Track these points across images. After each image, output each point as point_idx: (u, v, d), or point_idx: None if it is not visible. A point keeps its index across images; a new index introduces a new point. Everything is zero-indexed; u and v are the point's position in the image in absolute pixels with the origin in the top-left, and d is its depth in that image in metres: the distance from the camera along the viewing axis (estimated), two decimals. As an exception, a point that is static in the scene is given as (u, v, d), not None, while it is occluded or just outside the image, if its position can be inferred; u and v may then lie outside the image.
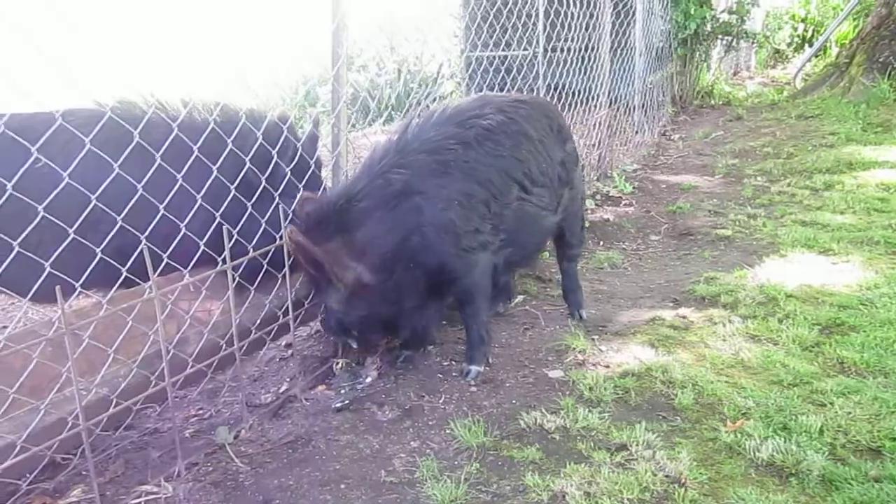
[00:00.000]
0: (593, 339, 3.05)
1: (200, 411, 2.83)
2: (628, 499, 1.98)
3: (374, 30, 10.24)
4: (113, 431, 2.47)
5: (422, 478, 2.15)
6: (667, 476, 2.07)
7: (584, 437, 2.31)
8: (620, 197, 5.38)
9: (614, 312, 3.39)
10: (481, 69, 6.31)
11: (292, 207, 2.55)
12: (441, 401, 2.60)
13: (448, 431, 2.40)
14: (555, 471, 2.14)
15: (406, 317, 2.61)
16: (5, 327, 3.61)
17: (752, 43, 9.68)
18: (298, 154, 2.67)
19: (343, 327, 2.62)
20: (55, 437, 2.05)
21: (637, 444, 2.22)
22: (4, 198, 1.91)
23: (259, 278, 2.60)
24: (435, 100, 9.57)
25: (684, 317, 3.25)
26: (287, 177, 2.63)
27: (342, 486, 2.15)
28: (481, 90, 6.03)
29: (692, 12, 7.67)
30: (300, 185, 2.68)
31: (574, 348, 2.93)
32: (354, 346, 2.78)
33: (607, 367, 2.81)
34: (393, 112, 9.49)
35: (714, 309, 3.33)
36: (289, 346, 3.18)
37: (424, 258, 2.47)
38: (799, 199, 5.11)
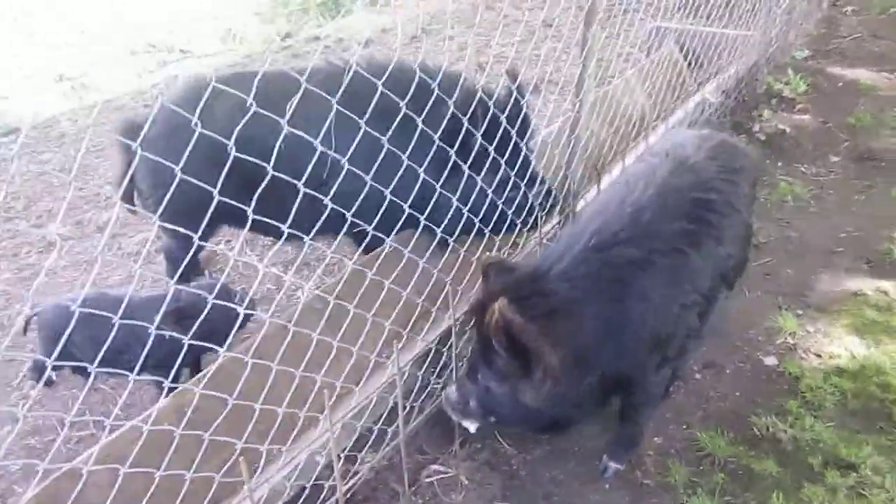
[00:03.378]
0: (798, 315, 3.25)
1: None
2: (867, 533, 2.31)
3: None
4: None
5: (675, 483, 2.52)
6: (899, 509, 2.38)
7: (813, 451, 2.60)
8: (794, 99, 5.22)
9: (811, 274, 3.54)
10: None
11: (482, 272, 2.29)
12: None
13: (686, 429, 2.73)
14: (794, 489, 2.47)
15: (568, 416, 2.32)
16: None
17: None
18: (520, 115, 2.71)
19: (487, 413, 2.26)
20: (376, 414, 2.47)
21: (866, 467, 2.51)
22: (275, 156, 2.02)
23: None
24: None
25: (885, 292, 3.39)
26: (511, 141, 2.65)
27: (606, 486, 2.54)
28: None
29: None
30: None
31: (784, 330, 3.15)
32: (472, 429, 2.39)
33: (819, 356, 3.03)
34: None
35: (915, 283, 3.43)
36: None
37: (621, 365, 2.21)
38: None
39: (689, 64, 4.78)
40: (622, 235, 2.16)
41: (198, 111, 1.79)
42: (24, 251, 4.00)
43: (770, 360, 3.03)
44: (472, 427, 2.35)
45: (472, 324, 2.33)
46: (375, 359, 2.40)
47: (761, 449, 2.63)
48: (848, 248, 3.77)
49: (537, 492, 2.54)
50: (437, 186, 2.40)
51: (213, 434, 1.81)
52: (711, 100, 4.44)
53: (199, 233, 2.06)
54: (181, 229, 1.90)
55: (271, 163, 2.07)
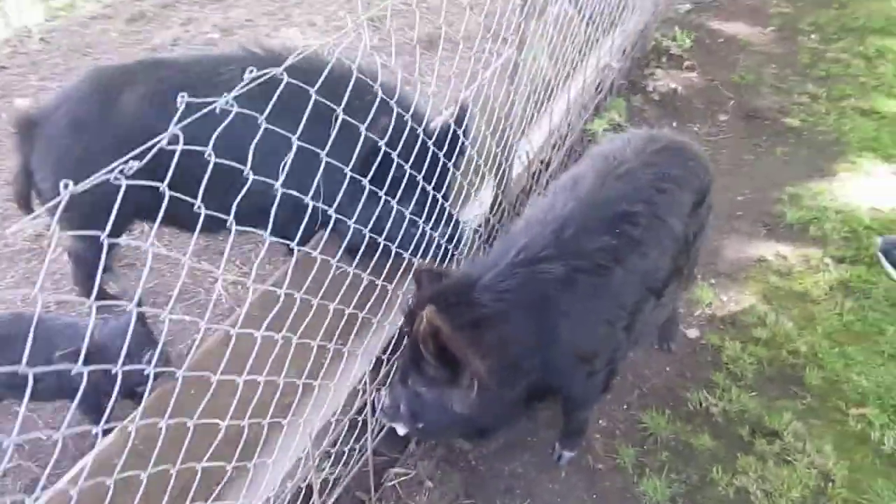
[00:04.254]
0: (712, 284, 3.48)
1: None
2: (795, 497, 2.56)
3: None
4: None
5: (624, 465, 2.68)
6: (819, 472, 2.64)
7: (741, 421, 2.83)
8: (682, 56, 5.41)
9: (717, 241, 3.76)
10: None
11: (412, 276, 2.33)
12: (608, 368, 3.03)
13: (626, 409, 2.90)
14: (730, 460, 2.69)
15: (495, 424, 2.37)
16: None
17: None
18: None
19: (415, 419, 2.27)
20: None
21: (788, 434, 2.76)
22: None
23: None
24: None
25: (784, 257, 3.67)
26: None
27: (562, 473, 2.66)
28: None
29: None
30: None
31: (701, 301, 3.37)
32: (401, 432, 2.39)
33: (733, 324, 3.27)
34: None
35: (807, 247, 3.72)
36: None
37: (549, 377, 2.25)
38: (854, 71, 5.31)
39: (586, 21, 4.81)
40: (545, 253, 2.17)
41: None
42: None
43: (693, 333, 3.23)
44: (400, 430, 2.36)
45: (404, 329, 2.32)
46: (320, 383, 2.29)
47: (696, 423, 2.84)
48: (746, 212, 4.03)
49: (498, 485, 2.63)
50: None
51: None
52: (615, 65, 4.52)
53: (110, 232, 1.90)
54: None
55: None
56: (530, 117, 3.49)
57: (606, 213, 2.27)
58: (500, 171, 3.14)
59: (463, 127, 2.53)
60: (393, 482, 2.62)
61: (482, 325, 2.07)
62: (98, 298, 3.07)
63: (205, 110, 1.33)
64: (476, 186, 3.04)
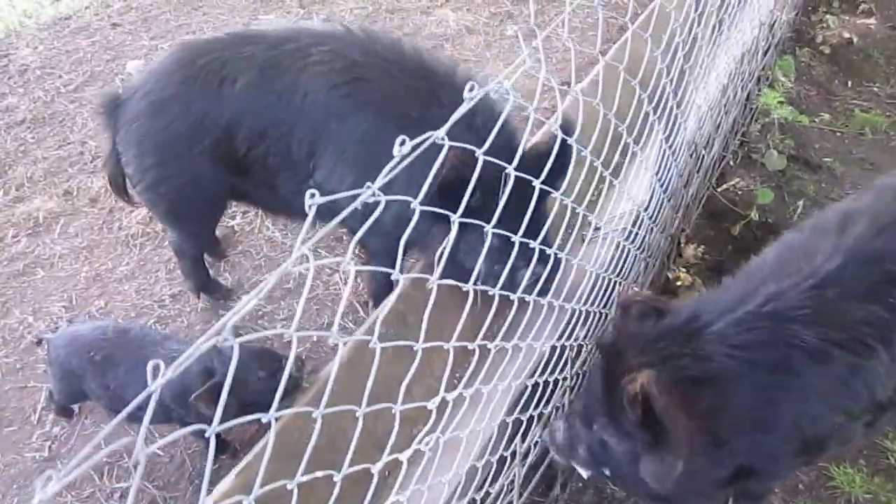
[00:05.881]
0: None
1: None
2: None
3: None
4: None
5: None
6: None
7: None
8: (857, -3, 4.66)
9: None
10: None
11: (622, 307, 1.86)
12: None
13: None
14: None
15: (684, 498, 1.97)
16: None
17: None
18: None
19: (600, 465, 1.94)
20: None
21: None
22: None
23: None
24: None
25: None
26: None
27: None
28: None
29: None
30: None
31: None
32: (585, 475, 2.06)
33: None
34: None
35: None
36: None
37: (753, 459, 1.84)
38: None
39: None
40: (801, 313, 1.71)
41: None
42: (10, 235, 3.45)
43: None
44: (584, 473, 2.01)
45: (597, 358, 1.98)
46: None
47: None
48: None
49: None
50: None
51: None
52: (783, 17, 3.88)
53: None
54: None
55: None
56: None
57: (878, 272, 1.77)
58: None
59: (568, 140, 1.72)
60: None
61: (704, 384, 1.68)
62: (208, 290, 2.90)
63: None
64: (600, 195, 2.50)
